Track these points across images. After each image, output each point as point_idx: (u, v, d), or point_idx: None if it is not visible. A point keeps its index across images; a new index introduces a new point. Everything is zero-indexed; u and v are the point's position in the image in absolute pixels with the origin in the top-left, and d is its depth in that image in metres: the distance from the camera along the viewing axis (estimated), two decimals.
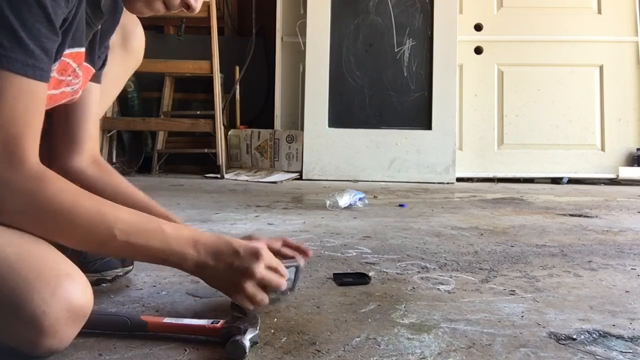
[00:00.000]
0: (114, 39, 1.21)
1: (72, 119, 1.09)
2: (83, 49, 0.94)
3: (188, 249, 0.88)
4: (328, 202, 2.33)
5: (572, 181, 3.88)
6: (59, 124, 1.09)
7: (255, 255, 0.90)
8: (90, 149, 1.13)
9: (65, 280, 0.75)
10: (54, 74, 0.88)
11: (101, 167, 1.14)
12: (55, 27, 0.79)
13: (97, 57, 1.04)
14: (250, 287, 0.90)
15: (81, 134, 1.11)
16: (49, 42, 0.78)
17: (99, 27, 1.00)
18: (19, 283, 0.73)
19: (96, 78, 1.10)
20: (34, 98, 0.79)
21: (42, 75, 0.79)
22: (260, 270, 0.90)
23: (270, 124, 4.15)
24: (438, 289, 1.16)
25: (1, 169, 0.76)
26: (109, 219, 0.83)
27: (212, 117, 3.78)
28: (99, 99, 1.15)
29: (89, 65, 1.01)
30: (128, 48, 1.23)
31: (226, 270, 0.90)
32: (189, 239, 0.89)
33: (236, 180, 3.66)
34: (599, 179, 3.91)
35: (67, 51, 0.89)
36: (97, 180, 1.10)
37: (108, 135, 3.95)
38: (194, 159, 4.23)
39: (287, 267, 0.98)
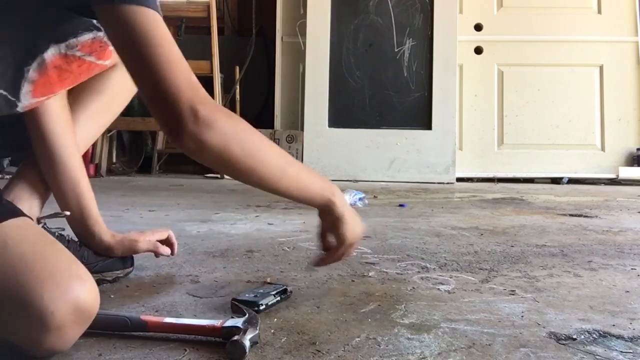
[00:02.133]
0: None
1: None
2: None
3: (336, 190, 1.01)
4: None
5: (572, 181, 3.87)
6: None
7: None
8: None
9: (76, 282, 0.76)
10: None
11: None
12: None
13: None
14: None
15: None
16: None
17: None
18: (31, 280, 0.73)
19: None
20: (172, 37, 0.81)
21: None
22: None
23: (270, 124, 4.15)
24: (438, 289, 1.16)
25: (200, 98, 0.79)
26: (282, 150, 0.94)
27: None
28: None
29: None
30: None
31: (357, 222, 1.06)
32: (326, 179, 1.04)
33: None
34: (599, 179, 3.91)
35: None
36: None
37: (108, 135, 3.95)
38: (193, 159, 4.22)
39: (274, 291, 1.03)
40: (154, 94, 0.80)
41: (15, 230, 0.79)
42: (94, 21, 0.90)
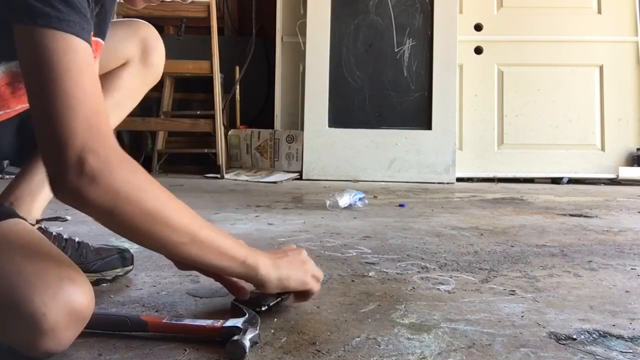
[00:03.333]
0: (134, 53, 1.20)
1: None
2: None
3: (259, 252, 0.90)
4: (328, 202, 2.33)
5: (572, 181, 3.87)
6: None
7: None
8: None
9: (67, 283, 0.75)
10: None
11: None
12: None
13: (107, 27, 1.00)
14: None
15: None
16: (88, 10, 0.76)
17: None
18: (22, 283, 0.73)
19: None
20: (94, 65, 0.75)
21: (90, 41, 0.75)
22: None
23: (270, 124, 4.15)
24: (438, 289, 1.16)
25: (95, 146, 0.69)
26: (193, 211, 0.82)
27: (212, 117, 3.78)
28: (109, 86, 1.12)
29: (99, 40, 0.98)
30: (148, 63, 1.22)
31: (293, 259, 0.95)
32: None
33: (236, 180, 3.66)
34: (599, 179, 3.90)
35: None
36: None
37: None
38: (194, 159, 4.23)
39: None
40: (43, 132, 0.70)
41: (5, 233, 0.79)
42: None
